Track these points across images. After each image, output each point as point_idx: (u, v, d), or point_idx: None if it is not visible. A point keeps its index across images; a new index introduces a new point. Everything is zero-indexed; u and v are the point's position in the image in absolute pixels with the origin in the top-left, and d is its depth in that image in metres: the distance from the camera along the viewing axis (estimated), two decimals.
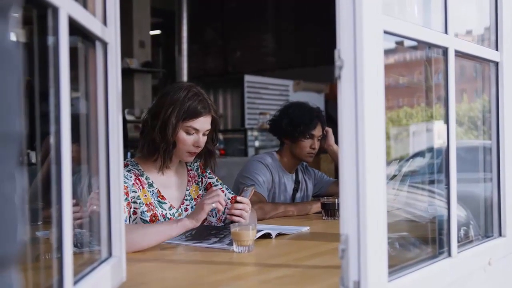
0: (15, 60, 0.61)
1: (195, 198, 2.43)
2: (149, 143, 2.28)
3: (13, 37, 0.62)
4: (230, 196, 2.46)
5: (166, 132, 2.23)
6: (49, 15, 1.03)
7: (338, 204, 2.73)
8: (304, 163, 3.30)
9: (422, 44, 1.65)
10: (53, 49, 1.04)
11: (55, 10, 1.03)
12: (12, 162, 0.61)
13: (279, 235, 2.27)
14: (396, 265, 1.37)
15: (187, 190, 2.42)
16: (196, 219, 2.04)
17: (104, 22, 1.40)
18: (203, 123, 2.29)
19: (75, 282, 1.13)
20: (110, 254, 1.42)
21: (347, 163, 1.21)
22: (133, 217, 2.19)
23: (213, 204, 2.04)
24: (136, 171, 2.28)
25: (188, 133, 2.27)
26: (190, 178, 2.46)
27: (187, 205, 2.39)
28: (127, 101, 7.36)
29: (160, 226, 2.07)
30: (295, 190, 3.23)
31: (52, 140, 1.05)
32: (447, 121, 1.59)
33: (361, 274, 1.20)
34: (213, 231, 2.22)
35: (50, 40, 1.05)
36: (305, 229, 2.44)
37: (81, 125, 1.38)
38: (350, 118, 1.21)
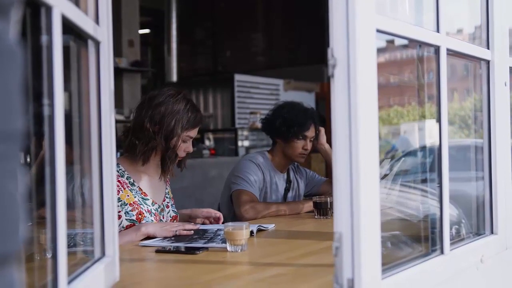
0: (16, 59, 0.62)
1: (172, 198, 2.59)
2: (151, 150, 2.36)
3: (14, 36, 0.62)
4: (173, 214, 2.55)
5: (170, 142, 2.36)
6: (42, 14, 1.02)
7: (330, 203, 2.75)
8: (296, 163, 3.30)
9: (413, 43, 1.66)
10: (47, 48, 1.04)
11: (49, 9, 1.02)
12: (15, 160, 0.62)
13: (259, 231, 2.34)
14: (389, 263, 1.38)
15: (166, 189, 2.56)
16: (155, 229, 2.20)
17: (97, 21, 1.39)
18: (197, 131, 2.47)
19: (69, 282, 1.12)
20: (103, 253, 1.42)
21: (341, 161, 1.21)
22: (117, 221, 2.21)
23: (176, 232, 2.22)
24: (116, 168, 2.31)
25: (184, 141, 2.41)
26: (167, 179, 2.59)
27: (167, 202, 2.54)
28: (116, 100, 7.27)
29: (123, 238, 2.13)
30: (287, 190, 3.23)
31: (45, 140, 1.04)
32: (439, 120, 1.59)
33: (355, 271, 1.20)
34: (195, 235, 2.21)
35: (43, 39, 1.04)
36: (271, 226, 2.48)
37: (73, 125, 1.37)
38: (343, 116, 1.21)
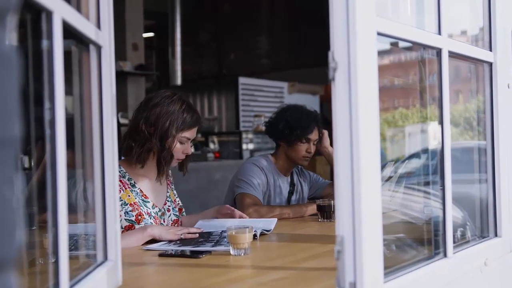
0: (13, 65, 0.62)
1: (173, 201, 2.57)
2: (146, 152, 2.36)
3: (11, 41, 0.63)
4: (174, 218, 2.55)
5: (166, 143, 2.35)
6: (43, 19, 1.03)
7: (334, 206, 2.75)
8: (300, 166, 3.29)
9: (416, 45, 1.66)
10: (47, 53, 1.04)
11: (49, 14, 1.02)
12: (11, 165, 0.62)
13: (262, 234, 2.33)
14: (392, 266, 1.37)
15: (167, 192, 2.55)
16: (160, 232, 2.18)
17: (98, 26, 1.39)
18: (195, 132, 2.45)
19: (71, 286, 1.12)
20: (105, 258, 1.42)
21: (342, 165, 1.21)
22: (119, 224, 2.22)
23: (182, 236, 2.21)
24: (118, 173, 2.32)
25: (181, 142, 2.40)
26: (168, 182, 2.59)
27: (168, 206, 2.52)
28: (121, 104, 7.35)
29: (128, 239, 2.13)
30: (291, 193, 3.22)
31: (46, 144, 1.05)
32: (441, 122, 1.59)
33: (357, 275, 1.20)
34: (200, 238, 2.21)
35: (44, 43, 1.05)
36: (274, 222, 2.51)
37: (75, 130, 1.37)
38: (345, 119, 1.21)
